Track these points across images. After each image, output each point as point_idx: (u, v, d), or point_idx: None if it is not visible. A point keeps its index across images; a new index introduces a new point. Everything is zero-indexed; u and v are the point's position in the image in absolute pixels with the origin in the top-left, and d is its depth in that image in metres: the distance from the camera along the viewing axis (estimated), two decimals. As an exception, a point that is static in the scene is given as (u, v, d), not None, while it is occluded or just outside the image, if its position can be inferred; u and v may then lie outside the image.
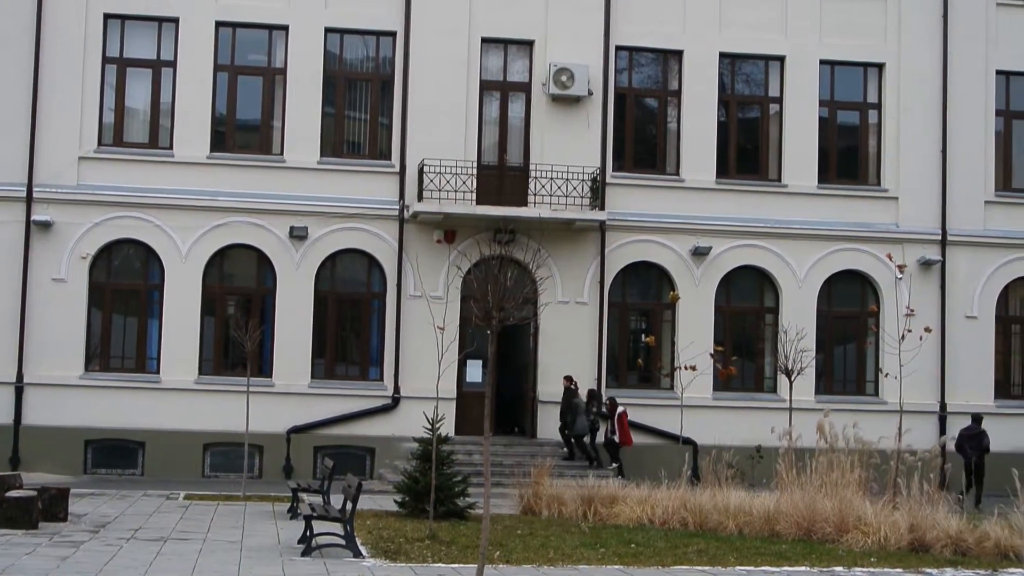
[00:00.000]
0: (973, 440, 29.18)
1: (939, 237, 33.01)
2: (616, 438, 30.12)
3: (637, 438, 30.71)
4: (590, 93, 31.62)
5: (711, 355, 30.17)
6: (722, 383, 31.41)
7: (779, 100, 33.14)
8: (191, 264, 30.54)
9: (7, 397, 29.79)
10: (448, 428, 28.56)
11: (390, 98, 31.67)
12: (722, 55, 32.85)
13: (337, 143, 31.69)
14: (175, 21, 31.00)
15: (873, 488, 22.57)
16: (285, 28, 31.32)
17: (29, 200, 29.99)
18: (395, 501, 23.75)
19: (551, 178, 30.92)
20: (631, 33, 32.34)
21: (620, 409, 30.26)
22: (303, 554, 18.24)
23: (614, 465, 29.82)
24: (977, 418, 29.83)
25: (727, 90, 33.24)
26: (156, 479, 29.31)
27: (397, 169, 31.24)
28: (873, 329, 31.76)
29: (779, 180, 32.89)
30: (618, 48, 32.41)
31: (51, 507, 21.13)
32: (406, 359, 30.78)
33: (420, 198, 30.55)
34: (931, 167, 33.13)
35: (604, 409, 30.41)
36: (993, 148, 33.57)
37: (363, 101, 32.09)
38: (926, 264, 32.68)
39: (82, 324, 30.22)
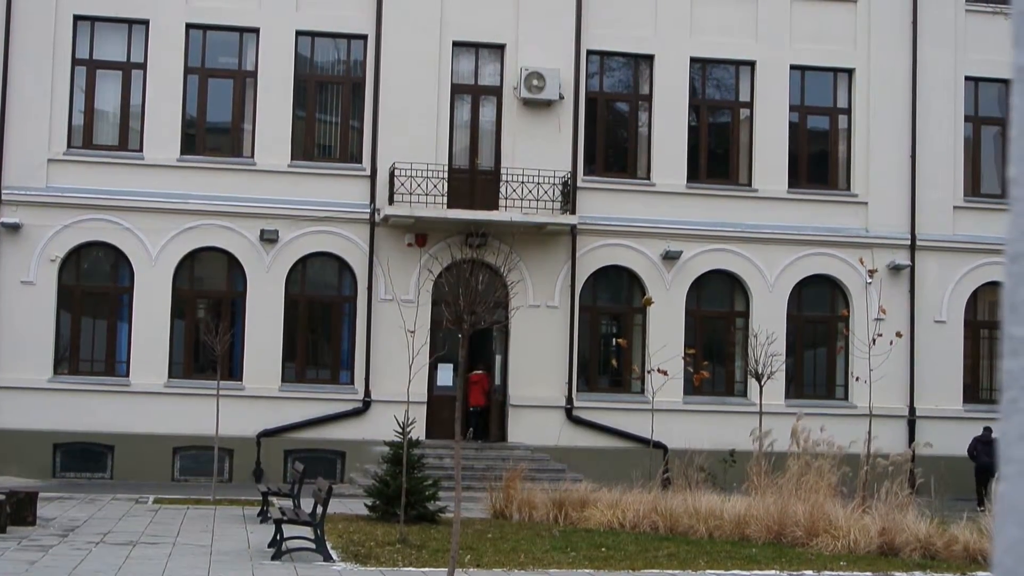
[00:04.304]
0: (988, 446, 29.79)
1: (908, 242, 33.15)
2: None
3: (607, 442, 30.80)
4: (561, 97, 31.65)
5: (684, 358, 30.17)
6: (694, 387, 31.42)
7: (750, 105, 33.24)
8: (161, 267, 30.43)
9: (-25, 400, 29.67)
10: (419, 432, 28.51)
11: (361, 101, 31.64)
12: (693, 60, 32.92)
13: (308, 146, 31.64)
14: (145, 23, 30.89)
15: (842, 492, 22.65)
16: (256, 31, 31.27)
17: (-2, 202, 29.86)
18: (365, 505, 23.71)
19: (522, 182, 30.94)
20: (602, 37, 32.39)
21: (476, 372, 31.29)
22: (273, 558, 18.19)
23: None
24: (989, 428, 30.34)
25: (698, 95, 33.31)
26: (125, 483, 29.18)
27: (368, 172, 31.22)
28: (844, 332, 31.87)
29: (749, 184, 32.98)
30: (589, 52, 32.45)
31: (19, 511, 21.02)
32: (377, 363, 30.75)
33: (391, 201, 30.52)
34: (901, 172, 33.28)
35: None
36: (962, 154, 33.73)
37: (334, 104, 32.06)
38: (895, 269, 32.82)
39: (51, 327, 30.09)
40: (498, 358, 31.88)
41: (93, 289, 30.87)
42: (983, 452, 29.85)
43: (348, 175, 31.34)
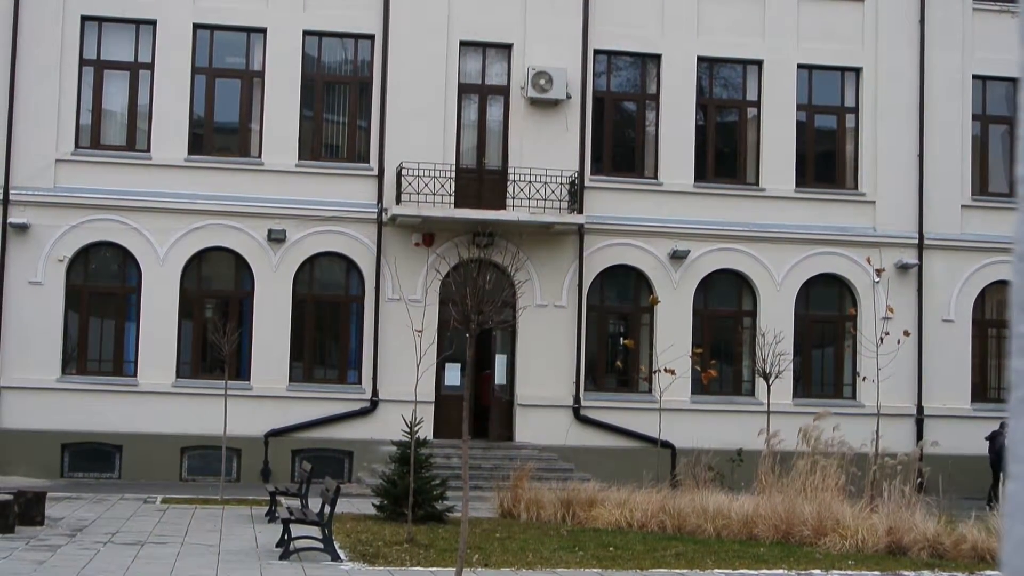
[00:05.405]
0: (991, 443, 29.99)
1: (916, 241, 33.11)
2: None
3: (615, 441, 30.91)
4: (568, 96, 31.65)
5: (691, 357, 30.15)
6: (702, 386, 31.42)
7: (757, 104, 33.21)
8: (168, 267, 30.46)
9: (-17, 400, 29.73)
10: (426, 431, 28.51)
11: (368, 101, 31.64)
12: (700, 59, 32.89)
13: (315, 146, 31.66)
14: (152, 23, 30.91)
15: (851, 491, 22.65)
16: (263, 31, 31.28)
17: (6, 203, 29.88)
18: (373, 504, 23.72)
19: (530, 181, 30.94)
20: (609, 36, 32.38)
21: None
22: (281, 558, 18.21)
23: None
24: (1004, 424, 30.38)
25: (705, 94, 33.29)
26: (133, 482, 29.22)
27: (375, 172, 31.22)
28: (852, 331, 31.85)
29: (757, 184, 32.95)
30: (596, 52, 32.43)
31: (28, 511, 21.05)
32: (384, 362, 30.75)
33: (398, 201, 30.53)
34: (908, 171, 33.24)
35: None
36: (970, 152, 33.69)
37: (341, 104, 32.07)
38: (903, 268, 32.78)
39: (59, 327, 30.12)
40: (504, 357, 31.86)
41: (101, 289, 30.90)
42: (990, 450, 29.91)
43: (355, 175, 31.35)
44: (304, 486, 23.34)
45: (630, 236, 32.06)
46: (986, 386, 33.84)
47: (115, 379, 30.34)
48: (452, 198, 30.63)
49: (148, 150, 30.76)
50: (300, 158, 31.20)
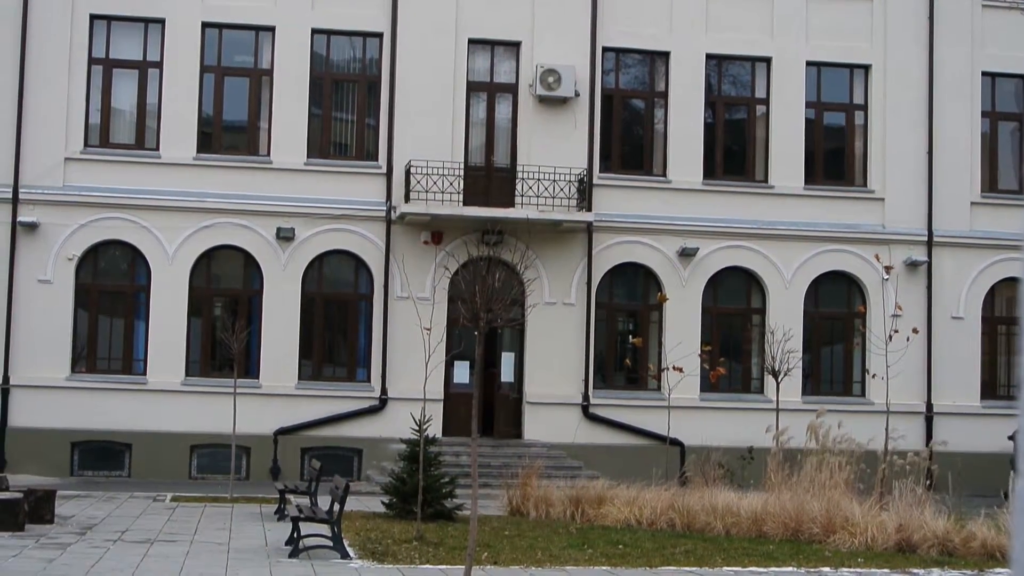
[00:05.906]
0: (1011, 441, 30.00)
1: (925, 238, 33.06)
2: None
3: (624, 439, 30.88)
4: (577, 94, 31.62)
5: (700, 355, 30.11)
6: (710, 384, 31.38)
7: (766, 101, 33.17)
8: (177, 265, 30.48)
9: (-7, 399, 29.76)
10: (435, 429, 28.54)
11: (377, 99, 31.65)
12: (708, 56, 32.86)
13: (324, 144, 31.66)
14: (161, 22, 30.93)
15: (860, 489, 22.63)
16: (272, 29, 31.28)
17: (15, 201, 29.92)
18: (382, 502, 23.74)
19: (538, 179, 30.92)
20: (618, 34, 32.36)
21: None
22: (291, 556, 18.23)
23: None
24: None
25: (714, 91, 33.26)
26: (143, 481, 29.24)
27: (384, 170, 31.23)
28: (861, 329, 31.82)
29: (766, 181, 32.92)
30: (605, 49, 32.42)
31: (37, 509, 21.08)
32: (393, 360, 30.76)
33: (407, 199, 30.53)
34: (917, 168, 33.19)
35: None
36: (979, 149, 33.64)
37: (350, 102, 32.07)
38: (912, 265, 32.74)
39: (68, 325, 30.15)
40: (512, 355, 31.84)
41: (110, 288, 30.93)
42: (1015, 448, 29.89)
43: (364, 173, 31.36)
44: (313, 484, 23.34)
45: (639, 234, 32.04)
46: (996, 383, 33.74)
47: (124, 377, 30.37)
48: (461, 196, 30.62)
49: (157, 148, 30.79)
50: (309, 156, 31.21)
